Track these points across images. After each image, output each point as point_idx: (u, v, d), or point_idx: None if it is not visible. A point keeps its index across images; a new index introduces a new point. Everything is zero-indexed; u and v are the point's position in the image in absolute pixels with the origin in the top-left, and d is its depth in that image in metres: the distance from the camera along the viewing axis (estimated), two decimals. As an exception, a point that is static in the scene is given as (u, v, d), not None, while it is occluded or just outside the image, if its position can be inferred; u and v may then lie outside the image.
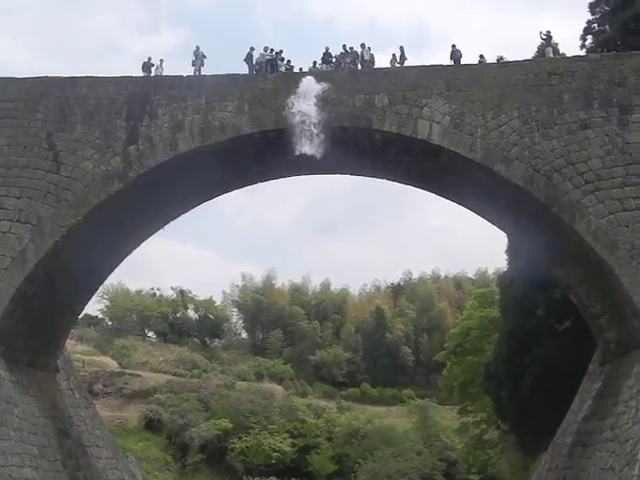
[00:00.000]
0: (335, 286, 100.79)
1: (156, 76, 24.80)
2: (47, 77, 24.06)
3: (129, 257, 26.39)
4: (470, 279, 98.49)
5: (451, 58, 24.37)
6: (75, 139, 23.01)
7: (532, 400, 31.20)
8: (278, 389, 73.13)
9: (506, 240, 35.55)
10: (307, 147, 22.37)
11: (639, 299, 19.51)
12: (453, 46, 24.60)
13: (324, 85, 22.54)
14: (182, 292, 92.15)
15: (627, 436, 17.59)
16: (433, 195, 25.53)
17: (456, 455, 58.83)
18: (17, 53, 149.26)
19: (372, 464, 58.49)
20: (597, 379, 22.22)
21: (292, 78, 23.22)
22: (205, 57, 25.33)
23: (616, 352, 21.26)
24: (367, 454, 60.65)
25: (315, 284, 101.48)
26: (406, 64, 24.60)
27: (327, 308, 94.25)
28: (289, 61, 24.99)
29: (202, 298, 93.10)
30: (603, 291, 21.26)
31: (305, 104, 22.40)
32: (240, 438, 59.97)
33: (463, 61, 24.05)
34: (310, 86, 22.72)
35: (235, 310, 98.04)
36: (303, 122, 22.25)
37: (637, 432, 17.05)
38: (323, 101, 22.41)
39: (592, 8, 33.58)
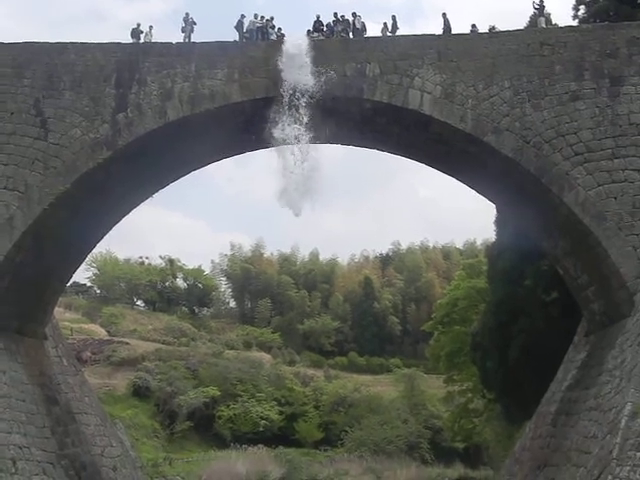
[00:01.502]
0: (324, 256, 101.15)
1: (145, 43, 24.53)
2: (34, 43, 23.76)
3: (118, 225, 26.31)
4: (458, 250, 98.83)
5: (443, 28, 24.22)
6: (63, 106, 22.78)
7: (518, 370, 31.49)
8: (266, 358, 73.52)
9: (495, 211, 35.67)
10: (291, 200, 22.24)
11: (626, 271, 19.68)
12: (444, 15, 24.43)
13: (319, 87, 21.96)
14: (171, 261, 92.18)
15: (610, 405, 17.81)
16: (423, 165, 25.52)
17: (442, 423, 59.44)
18: (2, 20, 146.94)
19: (359, 432, 59.04)
20: (582, 349, 22.44)
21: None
22: (195, 24, 25.08)
23: (601, 323, 21.45)
24: (354, 422, 61.21)
25: (304, 254, 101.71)
26: (398, 34, 24.43)
27: (316, 278, 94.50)
28: (280, 29, 24.74)
29: (191, 267, 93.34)
30: (590, 263, 21.39)
31: (293, 128, 21.91)
32: (228, 406, 60.33)
33: (456, 31, 23.89)
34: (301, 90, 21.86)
35: (224, 279, 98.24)
36: (292, 154, 22.03)
37: (620, 401, 17.25)
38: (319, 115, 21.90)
39: (585, -22, 33.34)
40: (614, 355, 19.17)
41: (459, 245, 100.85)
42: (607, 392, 18.41)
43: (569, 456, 19.29)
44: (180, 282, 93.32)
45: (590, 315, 22.29)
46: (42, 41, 23.81)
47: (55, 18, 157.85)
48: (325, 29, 24.51)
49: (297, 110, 21.92)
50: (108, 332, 71.49)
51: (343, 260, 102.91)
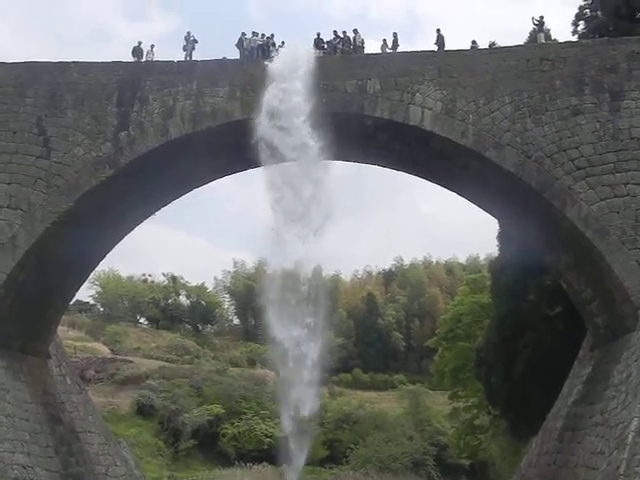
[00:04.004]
0: (326, 272, 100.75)
1: (147, 61, 24.68)
2: (37, 62, 23.95)
3: (121, 243, 26.35)
4: (461, 265, 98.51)
5: (436, 43, 24.32)
6: (65, 125, 22.91)
7: (523, 385, 31.34)
8: (270, 375, 73.13)
9: (497, 226, 35.63)
10: None
11: (630, 285, 19.63)
12: (438, 30, 24.54)
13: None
14: (174, 278, 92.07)
15: (617, 420, 17.71)
16: (425, 181, 25.53)
17: (447, 440, 58.97)
18: (5, 40, 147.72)
19: (364, 449, 58.59)
20: (587, 364, 22.34)
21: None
22: (197, 42, 25.21)
23: (606, 337, 21.37)
24: (359, 439, 60.76)
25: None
26: (398, 51, 24.52)
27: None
28: (282, 44, 24.79)
29: (194, 284, 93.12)
30: (594, 277, 21.34)
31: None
32: (232, 424, 59.99)
33: (455, 47, 23.96)
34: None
35: (227, 296, 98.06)
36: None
37: (626, 416, 17.16)
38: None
39: (584, -6, 33.47)
40: (619, 370, 19.08)
41: (462, 260, 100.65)
42: (613, 407, 18.31)
43: (576, 472, 19.16)
44: (183, 299, 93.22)
45: (595, 329, 22.21)
46: (44, 60, 23.98)
47: (60, 39, 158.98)
48: (326, 46, 24.62)
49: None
50: (111, 350, 71.32)
51: (346, 276, 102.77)
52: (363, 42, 24.50)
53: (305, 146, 21.97)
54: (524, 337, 31.73)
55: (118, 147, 22.58)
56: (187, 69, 23.58)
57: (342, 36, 24.55)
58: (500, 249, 37.14)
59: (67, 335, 60.69)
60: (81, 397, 25.99)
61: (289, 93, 22.25)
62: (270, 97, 22.18)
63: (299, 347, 21.85)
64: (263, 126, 22.03)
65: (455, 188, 24.76)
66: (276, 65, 22.82)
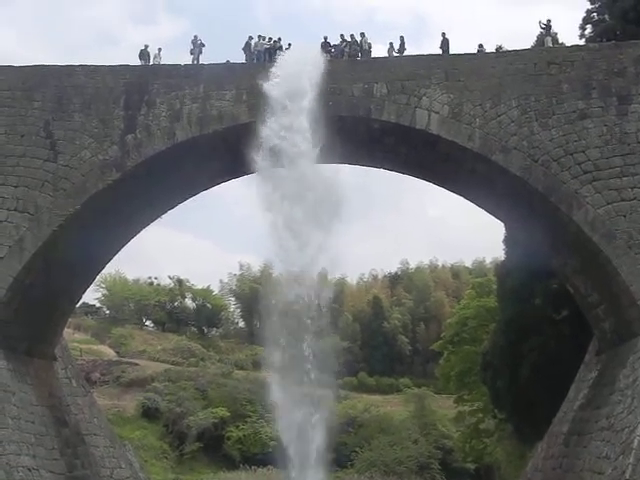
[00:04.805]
0: (332, 275, 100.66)
1: (154, 65, 24.76)
2: (45, 65, 24.00)
3: (127, 246, 26.39)
4: (467, 269, 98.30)
5: (441, 47, 24.33)
6: (73, 128, 22.97)
7: (529, 389, 31.25)
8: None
9: (504, 230, 35.57)
10: None
11: (636, 289, 19.57)
12: (443, 34, 24.56)
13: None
14: (180, 281, 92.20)
15: (622, 425, 17.67)
16: (432, 185, 25.53)
17: (452, 444, 58.80)
18: (11, 44, 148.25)
19: (369, 453, 58.48)
20: (593, 368, 22.29)
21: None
22: (204, 45, 25.27)
23: (612, 342, 21.32)
24: (364, 443, 60.62)
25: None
26: (405, 54, 24.55)
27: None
28: (288, 47, 24.78)
29: (200, 287, 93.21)
30: (600, 281, 21.29)
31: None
32: (237, 427, 59.99)
33: (462, 51, 23.96)
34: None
35: (232, 299, 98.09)
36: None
37: (632, 421, 17.13)
38: None
39: (592, -3, 33.44)
40: (625, 374, 19.04)
41: (468, 264, 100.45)
42: (619, 412, 18.27)
43: (582, 477, 19.12)
44: (189, 302, 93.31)
45: (601, 333, 22.15)
46: (52, 64, 24.05)
47: (68, 43, 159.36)
48: (333, 50, 24.65)
49: None
50: (117, 353, 71.53)
51: (352, 279, 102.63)
52: (370, 46, 24.53)
53: (313, 194, 21.34)
54: (530, 341, 31.65)
55: (125, 150, 22.64)
56: (194, 72, 23.63)
57: (349, 40, 24.59)
58: (506, 253, 37.04)
59: (73, 337, 60.97)
60: (86, 400, 26.02)
61: (293, 132, 21.72)
62: (270, 133, 21.65)
63: (302, 444, 20.39)
64: (262, 166, 21.60)
65: (461, 191, 24.75)
66: (274, 89, 22.04)
